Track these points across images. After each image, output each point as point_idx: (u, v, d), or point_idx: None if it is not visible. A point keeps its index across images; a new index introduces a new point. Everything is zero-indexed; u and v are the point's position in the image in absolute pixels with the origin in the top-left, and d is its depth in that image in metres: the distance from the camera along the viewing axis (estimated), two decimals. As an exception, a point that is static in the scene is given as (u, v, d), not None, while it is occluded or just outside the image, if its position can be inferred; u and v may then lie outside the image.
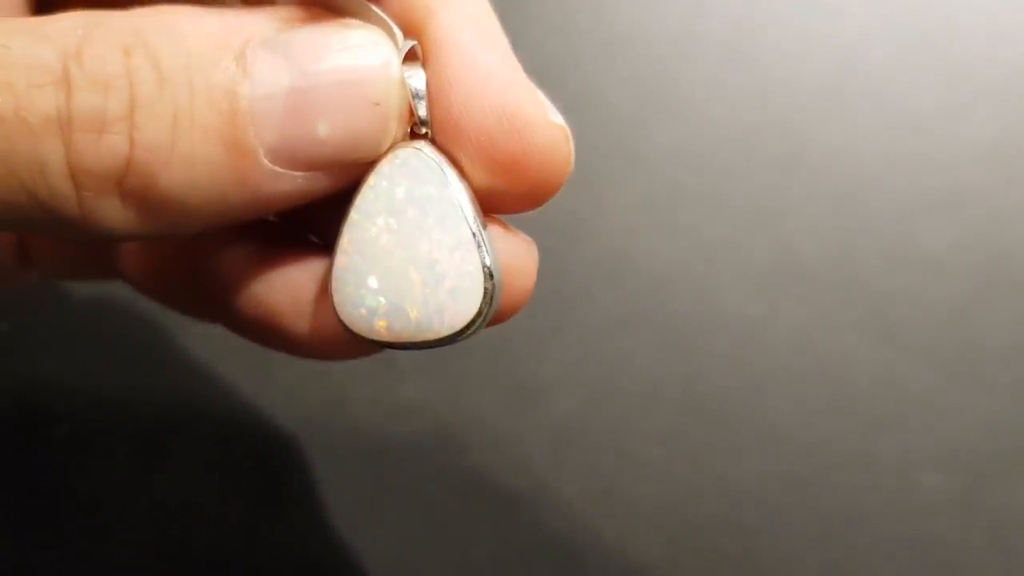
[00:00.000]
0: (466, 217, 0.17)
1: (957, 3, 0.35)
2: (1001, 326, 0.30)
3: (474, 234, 0.17)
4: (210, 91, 0.16)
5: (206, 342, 0.30)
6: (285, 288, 0.20)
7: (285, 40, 0.16)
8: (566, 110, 0.18)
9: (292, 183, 0.17)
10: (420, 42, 0.18)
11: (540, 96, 0.18)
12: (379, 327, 0.17)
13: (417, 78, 0.17)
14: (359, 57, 0.17)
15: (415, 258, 0.17)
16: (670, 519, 0.28)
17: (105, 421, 0.29)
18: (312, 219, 0.21)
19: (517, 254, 0.18)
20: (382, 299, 0.17)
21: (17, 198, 0.15)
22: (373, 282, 0.17)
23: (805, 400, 0.30)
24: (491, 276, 0.17)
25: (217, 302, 0.21)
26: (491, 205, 0.18)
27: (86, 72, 0.15)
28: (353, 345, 0.19)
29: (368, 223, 0.17)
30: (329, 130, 0.16)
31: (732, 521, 0.28)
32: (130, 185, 0.16)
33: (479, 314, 0.17)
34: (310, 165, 0.17)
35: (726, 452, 0.29)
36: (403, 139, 0.18)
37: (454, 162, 0.18)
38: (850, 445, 0.29)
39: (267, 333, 0.20)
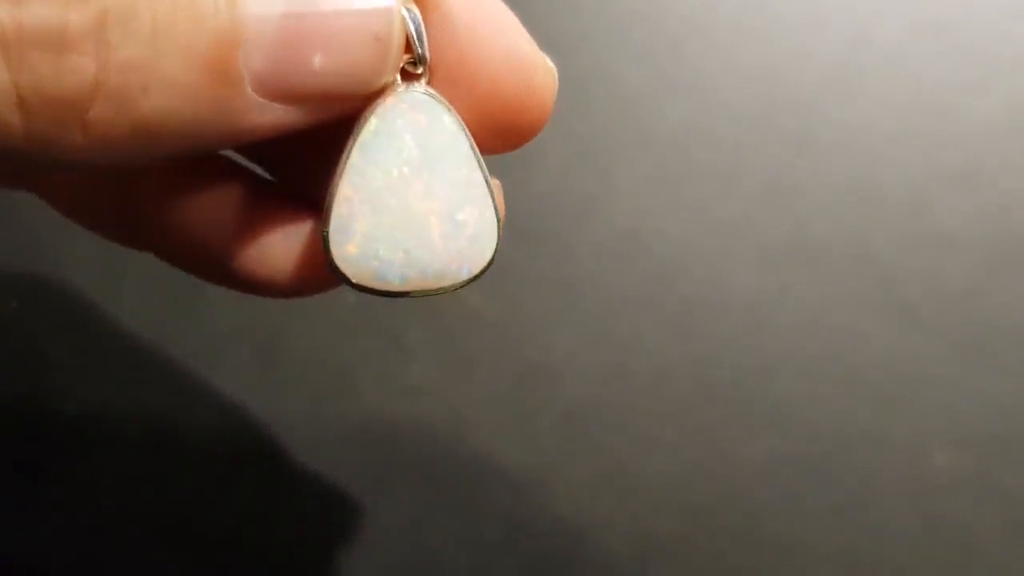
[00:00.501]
0: (478, 163, 0.17)
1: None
2: (1016, 305, 0.30)
3: (485, 180, 0.17)
4: (194, 5, 0.14)
5: (215, 323, 0.30)
6: (219, 218, 0.19)
7: None
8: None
9: (276, 115, 0.15)
10: None
11: (533, 42, 0.17)
12: (392, 278, 0.17)
13: (412, 12, 0.16)
14: None
15: (435, 209, 0.17)
16: (681, 500, 0.28)
17: (114, 401, 0.29)
18: (272, 154, 0.20)
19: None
20: (399, 251, 0.17)
21: None
22: (390, 234, 0.17)
23: (817, 380, 0.30)
24: (499, 221, 0.17)
25: (164, 242, 0.20)
26: (479, 146, 0.18)
27: None
28: (328, 283, 0.19)
29: (375, 170, 0.17)
30: (324, 61, 0.15)
31: (743, 502, 0.28)
32: (97, 114, 0.14)
33: (493, 258, 0.17)
34: (299, 98, 0.15)
35: (737, 433, 0.29)
36: (396, 78, 0.17)
37: (452, 103, 0.17)
38: (862, 425, 0.29)
39: (202, 265, 0.19)
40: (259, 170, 0.20)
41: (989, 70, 0.33)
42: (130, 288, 0.30)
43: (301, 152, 0.19)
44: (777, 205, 0.32)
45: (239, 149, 0.20)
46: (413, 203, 0.17)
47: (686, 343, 0.30)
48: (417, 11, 0.16)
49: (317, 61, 0.15)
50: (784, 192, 0.32)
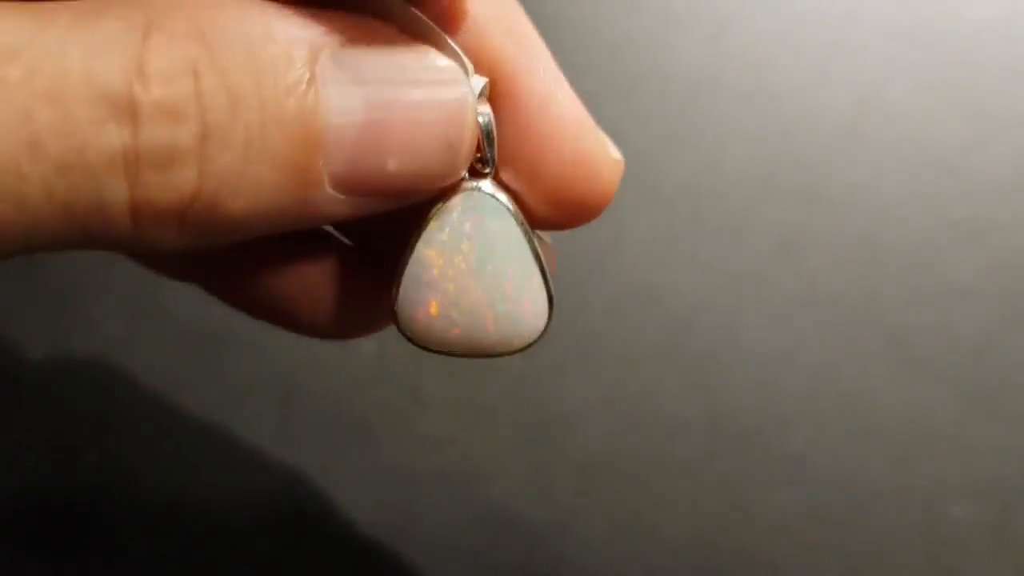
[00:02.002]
0: (535, 258, 0.18)
1: (973, 41, 0.35)
2: (1027, 358, 0.30)
3: (543, 274, 0.18)
4: (282, 115, 0.15)
5: (234, 375, 0.30)
6: (300, 278, 0.20)
7: (356, 58, 0.16)
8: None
9: (349, 207, 0.16)
10: (491, 78, 0.17)
11: (601, 133, 0.18)
12: (445, 347, 0.19)
13: (485, 115, 0.17)
14: (437, 94, 0.16)
15: (490, 300, 0.18)
16: (696, 553, 0.28)
17: (134, 451, 0.30)
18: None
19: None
20: (456, 328, 0.18)
21: (70, 233, 0.15)
22: (449, 315, 0.18)
23: (831, 433, 0.30)
24: (552, 303, 0.18)
25: (229, 283, 0.21)
26: (535, 226, 0.19)
27: (154, 98, 0.14)
28: (375, 327, 0.21)
29: (438, 259, 0.18)
30: (398, 165, 0.16)
31: (759, 555, 0.28)
32: (193, 215, 0.15)
33: (538, 338, 0.19)
34: (371, 193, 0.16)
35: (752, 485, 0.29)
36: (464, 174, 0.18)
37: (514, 195, 0.18)
38: (877, 478, 0.29)
39: (276, 317, 0.21)
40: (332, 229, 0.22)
41: (994, 128, 0.34)
42: (150, 341, 0.31)
43: (375, 221, 0.20)
44: (788, 261, 0.32)
45: None
46: (472, 292, 0.18)
47: (700, 396, 0.30)
48: (491, 114, 0.17)
49: (392, 164, 0.16)
50: (795, 248, 0.32)
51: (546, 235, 0.20)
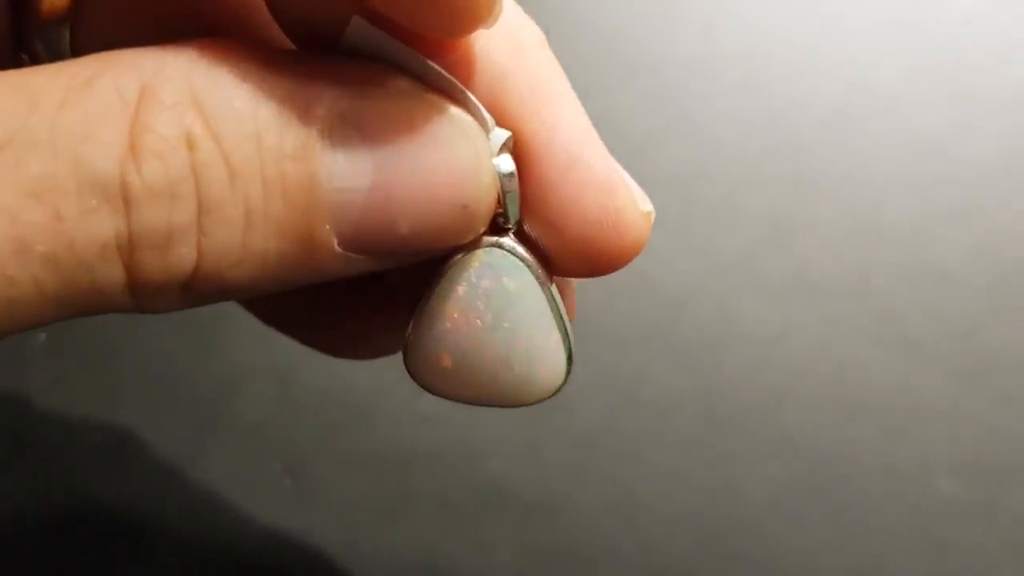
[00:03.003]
0: (554, 317, 0.17)
1: (962, 25, 0.35)
2: (1015, 336, 0.31)
3: (561, 327, 0.17)
4: (284, 182, 0.14)
5: (234, 358, 0.31)
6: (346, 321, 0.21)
7: (363, 117, 0.15)
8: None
9: (364, 264, 0.15)
10: (514, 132, 0.16)
11: (632, 187, 0.17)
12: (455, 398, 0.18)
13: (507, 171, 0.16)
14: (450, 156, 0.15)
15: (503, 359, 0.17)
16: (690, 526, 0.29)
17: (139, 426, 0.30)
18: None
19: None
20: (470, 388, 0.18)
21: (67, 315, 0.14)
22: (461, 374, 0.17)
23: (822, 410, 0.30)
24: (570, 361, 0.18)
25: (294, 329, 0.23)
26: (560, 274, 0.18)
27: (146, 181, 0.13)
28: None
29: (451, 313, 0.17)
30: (410, 228, 0.15)
31: (751, 528, 0.29)
32: (194, 287, 0.14)
33: (555, 393, 0.18)
34: (384, 255, 0.15)
35: (745, 461, 0.30)
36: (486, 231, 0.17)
37: (537, 250, 0.17)
38: (868, 453, 0.29)
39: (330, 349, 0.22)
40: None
41: (981, 112, 0.34)
42: (152, 325, 0.31)
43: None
44: (780, 243, 0.33)
45: None
46: (486, 350, 0.17)
47: (693, 375, 0.31)
48: (514, 170, 0.16)
49: (403, 227, 0.15)
50: (786, 230, 0.33)
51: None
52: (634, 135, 0.34)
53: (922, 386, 0.30)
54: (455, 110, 0.15)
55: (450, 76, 0.15)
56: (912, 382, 0.30)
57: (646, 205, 0.17)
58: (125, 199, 0.13)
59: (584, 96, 0.17)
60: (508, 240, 0.17)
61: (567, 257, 0.17)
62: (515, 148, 0.16)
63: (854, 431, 0.30)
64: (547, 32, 0.17)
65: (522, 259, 0.17)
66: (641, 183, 0.33)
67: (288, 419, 0.28)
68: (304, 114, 0.14)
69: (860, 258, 0.32)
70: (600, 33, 0.36)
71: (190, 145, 0.14)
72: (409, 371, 0.18)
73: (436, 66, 0.15)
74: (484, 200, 0.15)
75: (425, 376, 0.18)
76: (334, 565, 0.28)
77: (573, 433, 0.30)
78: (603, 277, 0.17)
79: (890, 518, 0.29)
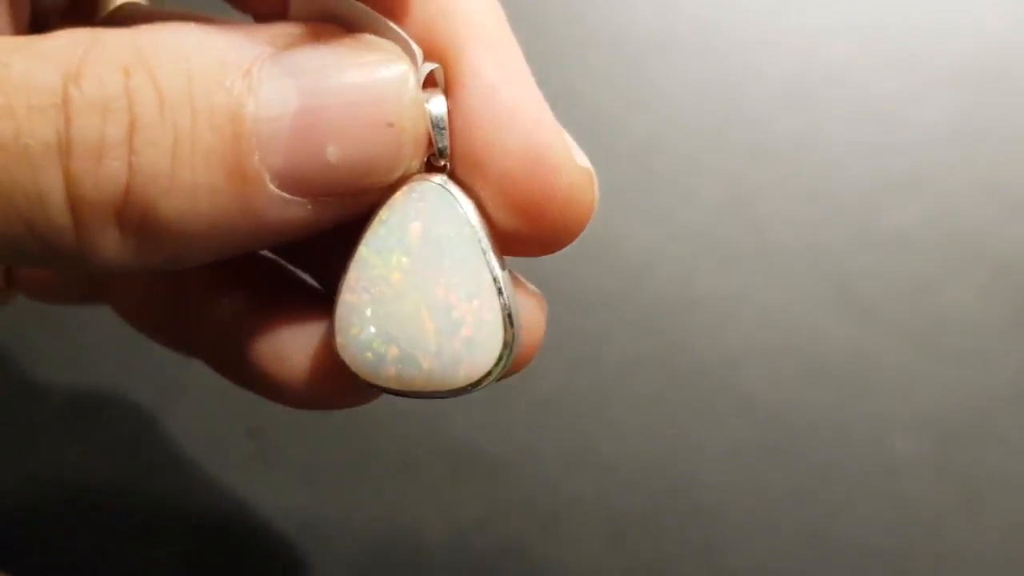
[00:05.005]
0: (487, 260, 0.16)
1: None
2: (964, 299, 0.32)
3: (495, 279, 0.16)
4: (212, 113, 0.15)
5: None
6: (279, 338, 0.18)
7: (294, 58, 0.15)
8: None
9: (299, 210, 0.15)
10: (443, 68, 0.16)
11: (566, 137, 0.16)
12: (387, 374, 0.16)
13: (437, 104, 0.16)
14: (371, 73, 0.15)
15: (429, 302, 0.16)
16: (649, 481, 0.29)
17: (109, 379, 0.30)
18: (312, 257, 0.20)
19: (526, 307, 0.17)
20: (392, 346, 0.16)
21: (14, 229, 0.14)
22: (383, 326, 0.16)
23: (778, 372, 0.31)
24: (511, 324, 0.16)
25: (205, 345, 0.20)
26: (509, 247, 0.17)
27: (85, 94, 0.14)
28: (354, 391, 0.18)
29: (378, 260, 0.16)
30: (339, 153, 0.15)
31: (710, 483, 0.29)
32: (128, 214, 0.15)
33: (497, 364, 0.16)
34: (319, 191, 0.15)
35: (703, 420, 0.30)
36: (419, 170, 0.16)
37: (474, 199, 0.16)
38: (823, 413, 0.30)
39: (256, 381, 0.19)
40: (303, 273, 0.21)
41: (929, 82, 0.35)
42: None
43: (336, 249, 0.18)
44: (736, 211, 0.33)
45: (298, 255, 0.20)
46: (408, 294, 0.16)
47: (654, 337, 0.31)
48: (443, 99, 0.16)
49: (332, 153, 0.15)
50: (743, 199, 0.33)
51: (532, 287, 0.18)
52: (592, 109, 0.35)
53: (875, 347, 0.31)
54: (377, 39, 0.16)
55: (378, 15, 0.16)
56: (866, 343, 0.31)
57: (583, 160, 0.16)
58: (66, 107, 0.14)
59: (542, 68, 0.17)
60: (440, 176, 0.16)
61: (499, 207, 0.16)
62: (446, 83, 0.16)
63: (810, 390, 0.30)
64: (506, 4, 0.17)
65: (454, 195, 0.16)
66: (600, 154, 0.33)
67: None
68: (236, 57, 0.15)
69: (815, 224, 0.33)
70: (557, 4, 0.36)
71: (126, 73, 0.14)
72: (337, 348, 0.16)
73: (364, 6, 0.16)
74: (409, 119, 0.15)
75: (348, 345, 0.16)
76: (298, 526, 0.28)
77: (535, 392, 0.30)
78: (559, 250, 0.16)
79: (845, 473, 0.29)
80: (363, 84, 0.15)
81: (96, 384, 0.30)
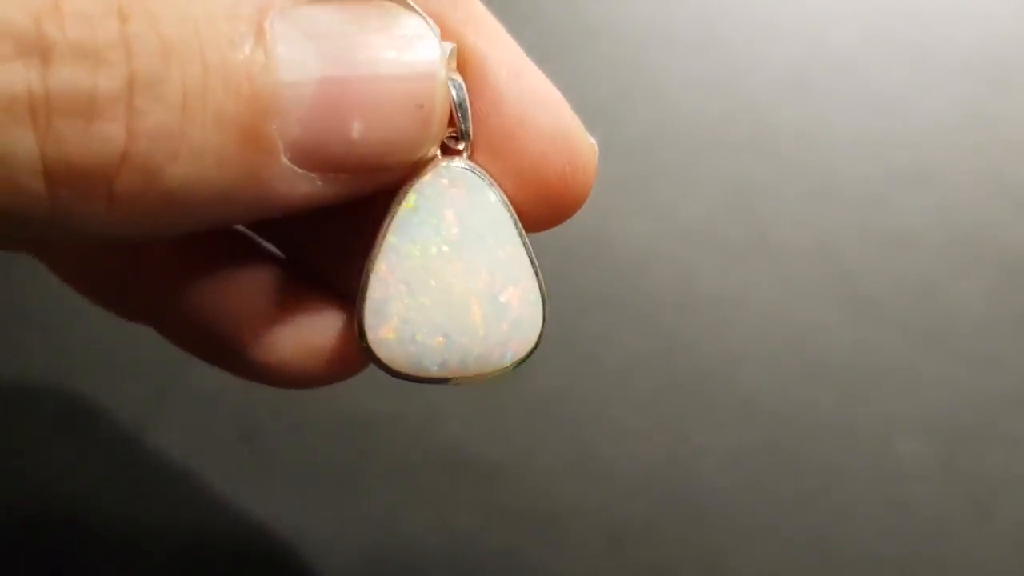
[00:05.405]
0: (523, 242, 0.16)
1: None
2: (971, 297, 0.31)
3: (531, 260, 0.16)
4: (226, 69, 0.13)
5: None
6: (235, 306, 0.17)
7: (310, 15, 0.14)
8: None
9: (310, 186, 0.14)
10: (458, 47, 0.16)
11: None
12: (431, 364, 0.16)
13: (459, 86, 0.15)
14: (404, 50, 0.14)
15: (476, 289, 0.15)
16: (650, 486, 0.29)
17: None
18: (288, 229, 0.19)
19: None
20: (439, 335, 0.15)
21: None
22: (428, 316, 0.15)
23: (781, 373, 0.30)
24: (546, 301, 0.16)
25: (152, 308, 0.19)
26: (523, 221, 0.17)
27: (69, 38, 0.12)
28: (343, 369, 0.18)
29: (412, 247, 0.15)
30: (363, 130, 0.14)
31: (711, 488, 0.29)
32: (124, 184, 0.13)
33: (538, 340, 0.16)
34: (335, 167, 0.14)
35: (704, 423, 0.30)
36: (436, 153, 0.16)
37: (495, 179, 0.16)
38: (826, 415, 0.30)
39: (212, 350, 0.18)
40: (277, 250, 0.19)
41: (936, 74, 0.34)
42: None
43: (334, 232, 0.18)
44: (739, 206, 0.32)
45: (268, 227, 0.19)
46: (453, 283, 0.15)
47: (654, 339, 0.31)
48: (462, 82, 0.15)
49: (356, 129, 0.14)
50: (745, 193, 0.33)
51: None
52: (591, 102, 0.34)
53: (880, 347, 0.30)
54: (397, 7, 0.15)
55: None
56: (870, 343, 0.30)
57: (590, 137, 0.17)
58: (42, 52, 0.12)
59: (537, 60, 0.17)
60: (462, 158, 0.16)
61: (519, 186, 0.16)
62: (460, 65, 0.16)
63: (813, 392, 0.30)
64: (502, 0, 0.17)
65: (479, 173, 0.16)
66: (601, 148, 0.33)
67: (243, 385, 0.27)
68: (249, 9, 0.13)
69: (819, 220, 0.32)
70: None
71: (121, 16, 0.12)
72: (362, 339, 0.16)
73: None
74: (439, 103, 0.15)
75: (379, 337, 0.15)
76: (293, 532, 0.28)
77: (533, 394, 0.30)
78: (561, 237, 0.17)
79: (848, 478, 0.29)
80: (397, 61, 0.14)
81: (85, 389, 0.30)
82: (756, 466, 0.29)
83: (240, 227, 0.19)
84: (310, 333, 0.18)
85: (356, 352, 0.16)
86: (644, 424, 0.30)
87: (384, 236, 0.15)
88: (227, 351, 0.18)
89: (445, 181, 0.15)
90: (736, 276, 0.32)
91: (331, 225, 0.17)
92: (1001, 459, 0.29)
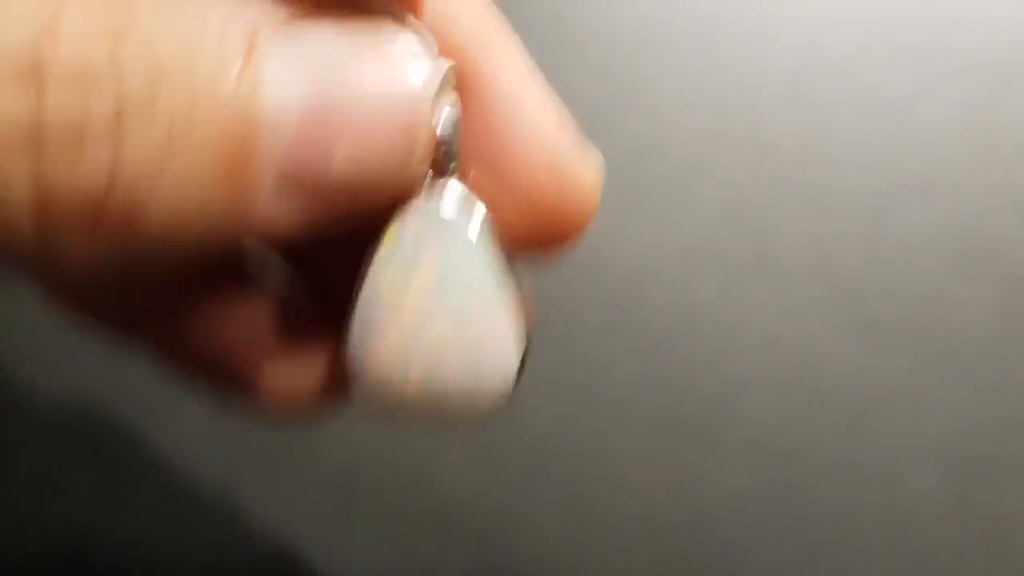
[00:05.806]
0: (506, 276, 0.15)
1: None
2: (980, 315, 0.30)
3: (514, 300, 0.15)
4: (215, 93, 0.12)
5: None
6: (232, 333, 0.17)
7: (303, 34, 0.13)
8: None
9: (294, 211, 0.14)
10: (457, 64, 0.15)
11: (579, 137, 0.16)
12: (409, 401, 0.15)
13: (452, 107, 0.15)
14: (396, 70, 0.14)
15: (455, 320, 0.15)
16: (651, 534, 0.28)
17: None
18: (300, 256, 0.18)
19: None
20: (417, 370, 0.15)
21: None
22: (404, 351, 0.15)
23: (784, 403, 0.29)
24: (530, 345, 0.16)
25: (147, 335, 0.18)
26: (516, 248, 0.16)
27: (63, 59, 0.12)
28: (315, 402, 0.18)
29: (393, 280, 0.15)
30: (346, 157, 0.13)
31: (714, 534, 0.28)
32: (107, 216, 0.12)
33: (517, 382, 0.16)
34: (317, 194, 0.14)
35: (706, 463, 0.28)
36: (425, 174, 0.15)
37: (485, 202, 0.16)
38: (833, 448, 0.28)
39: (207, 378, 0.18)
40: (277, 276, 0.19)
41: (938, 79, 0.33)
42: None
43: (336, 263, 0.17)
44: (737, 220, 0.31)
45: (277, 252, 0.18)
46: (431, 316, 0.15)
47: (649, 370, 0.30)
48: (456, 103, 0.15)
49: (339, 155, 0.13)
50: (743, 207, 0.31)
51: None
52: (585, 109, 0.33)
53: (887, 370, 0.29)
54: (403, 28, 0.14)
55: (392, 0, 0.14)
56: (877, 368, 0.29)
57: (595, 160, 0.16)
58: (39, 76, 0.12)
59: (538, 66, 0.16)
60: (451, 182, 0.15)
61: (512, 211, 0.16)
62: (458, 84, 0.15)
63: (818, 425, 0.29)
64: (497, 3, 0.16)
65: (467, 201, 0.15)
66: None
67: (226, 439, 0.27)
68: (240, 28, 0.13)
69: (819, 235, 0.31)
70: (551, 3, 0.34)
71: (115, 36, 0.12)
72: (351, 366, 0.15)
73: None
74: (426, 126, 0.14)
75: (358, 371, 0.15)
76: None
77: (526, 438, 0.29)
78: (553, 259, 0.16)
79: (859, 521, 0.28)
80: (385, 82, 0.14)
81: (81, 400, 0.29)
82: (762, 509, 0.28)
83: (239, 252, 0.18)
84: (306, 363, 0.18)
85: (345, 383, 0.16)
86: (641, 467, 0.28)
87: (366, 270, 0.15)
88: (223, 379, 0.18)
89: (431, 208, 0.15)
90: (735, 297, 0.30)
91: (338, 253, 0.17)
92: (1018, 491, 0.28)
